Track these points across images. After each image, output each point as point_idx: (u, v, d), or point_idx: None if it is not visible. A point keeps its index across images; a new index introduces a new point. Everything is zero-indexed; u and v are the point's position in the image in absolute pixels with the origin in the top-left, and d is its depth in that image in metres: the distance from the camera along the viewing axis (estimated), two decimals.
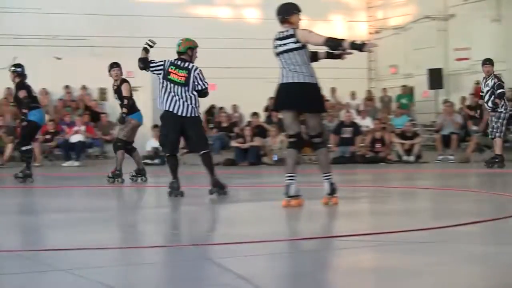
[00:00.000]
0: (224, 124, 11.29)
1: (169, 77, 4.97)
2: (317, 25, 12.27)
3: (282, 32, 4.27)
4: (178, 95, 4.99)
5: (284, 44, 4.24)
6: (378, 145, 10.34)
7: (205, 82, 5.04)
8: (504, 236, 3.32)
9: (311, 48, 4.30)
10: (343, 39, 4.36)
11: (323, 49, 4.43)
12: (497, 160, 8.38)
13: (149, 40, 5.23)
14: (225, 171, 9.67)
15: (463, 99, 12.10)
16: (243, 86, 12.37)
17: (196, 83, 5.00)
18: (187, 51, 5.03)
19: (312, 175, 6.05)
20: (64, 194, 6.84)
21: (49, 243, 3.37)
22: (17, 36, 11.45)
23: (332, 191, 4.40)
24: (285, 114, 4.46)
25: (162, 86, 5.04)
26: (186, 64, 4.98)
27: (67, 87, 11.72)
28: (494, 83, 8.11)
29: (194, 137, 5.18)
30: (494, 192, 5.84)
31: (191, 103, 5.01)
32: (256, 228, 3.84)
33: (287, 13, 4.28)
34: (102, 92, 11.80)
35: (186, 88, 4.98)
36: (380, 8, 15.03)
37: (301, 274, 2.51)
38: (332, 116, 11.53)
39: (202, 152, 5.07)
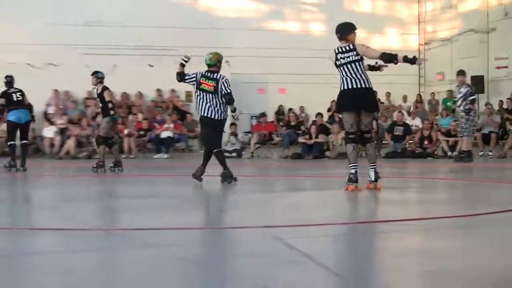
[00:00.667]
0: (293, 123, 13.09)
1: (201, 86, 5.87)
2: (374, 38, 14.60)
3: (343, 47, 5.11)
4: (209, 102, 5.84)
5: (347, 57, 5.05)
6: (426, 142, 11.84)
7: (229, 88, 5.82)
8: None
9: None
10: (396, 54, 5.13)
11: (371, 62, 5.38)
12: (463, 156, 9.77)
13: (184, 57, 6.04)
14: (293, 163, 11.14)
15: (501, 102, 13.71)
16: (309, 90, 14.35)
17: (221, 89, 5.80)
18: (217, 63, 5.96)
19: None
20: (155, 182, 7.60)
21: (140, 223, 3.62)
22: (117, 47, 14.08)
23: (376, 178, 5.17)
24: (347, 115, 5.20)
25: (197, 95, 5.95)
26: (215, 75, 5.86)
27: (158, 90, 13.89)
28: (467, 91, 9.72)
29: (216, 137, 6.06)
30: None
31: (220, 108, 5.87)
32: (319, 213, 4.18)
33: (346, 32, 5.18)
34: (188, 94, 13.82)
35: (216, 95, 5.83)
36: (430, 22, 16.86)
37: (357, 254, 2.77)
38: (386, 116, 13.40)
39: (215, 150, 5.94)
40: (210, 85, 5.86)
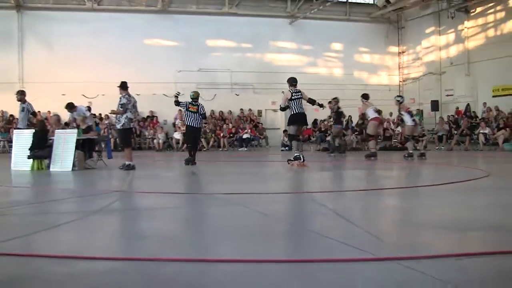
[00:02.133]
0: (323, 129, 22.93)
1: (189, 109, 11.44)
2: (372, 77, 26.11)
3: (296, 90, 10.68)
4: (193, 118, 11.43)
5: (298, 96, 10.61)
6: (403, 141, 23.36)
7: (204, 111, 11.69)
8: None
9: None
10: (314, 100, 10.72)
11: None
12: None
13: (176, 93, 11.84)
14: (323, 154, 17.53)
15: (449, 116, 22.67)
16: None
17: (201, 111, 11.46)
18: (197, 97, 11.77)
19: None
20: (239, 165, 12.99)
21: (233, 190, 6.97)
22: (217, 83, 25.46)
23: (303, 160, 10.67)
24: (295, 126, 10.73)
25: (186, 114, 11.64)
26: (197, 103, 11.48)
27: (241, 109, 24.47)
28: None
29: (198, 137, 12.25)
30: None
31: (199, 121, 11.53)
32: (341, 183, 8.40)
33: (296, 82, 10.87)
34: (259, 111, 25.31)
35: (197, 115, 11.45)
36: (406, 68, 27.45)
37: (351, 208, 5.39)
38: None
39: (197, 146, 12.01)
40: (194, 108, 11.65)
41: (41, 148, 11.76)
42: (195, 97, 12.25)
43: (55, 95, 22.82)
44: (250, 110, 24.66)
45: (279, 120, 24.76)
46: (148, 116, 24.20)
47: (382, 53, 28.36)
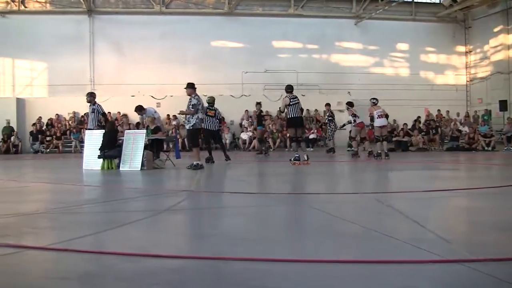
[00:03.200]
0: (389, 129, 26.46)
1: (207, 114, 13.11)
2: (438, 77, 28.10)
3: (293, 96, 12.58)
4: (211, 121, 13.48)
5: (296, 101, 12.49)
6: (471, 141, 23.74)
7: (221, 116, 14.87)
8: None
9: None
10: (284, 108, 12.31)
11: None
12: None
13: (180, 111, 12.57)
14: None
15: None
16: (398, 108, 24.22)
17: (218, 116, 13.81)
18: (213, 102, 13.84)
19: None
20: (305, 164, 12.79)
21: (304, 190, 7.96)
22: (281, 85, 27.78)
23: (308, 159, 12.72)
24: (293, 129, 12.59)
25: (206, 118, 13.02)
26: (214, 107, 13.51)
27: (307, 110, 26.44)
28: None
29: (218, 138, 14.54)
30: None
31: (216, 124, 13.66)
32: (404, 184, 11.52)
33: (292, 89, 12.86)
34: (325, 112, 27.56)
35: (215, 118, 13.59)
36: (473, 67, 28.31)
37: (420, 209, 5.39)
38: (446, 125, 26.52)
39: (216, 144, 15.10)
40: (212, 113, 13.64)
41: (111, 148, 12.70)
42: (211, 102, 14.50)
43: (125, 97, 25.46)
44: (316, 110, 26.49)
45: (345, 120, 26.80)
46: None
47: (448, 53, 29.30)
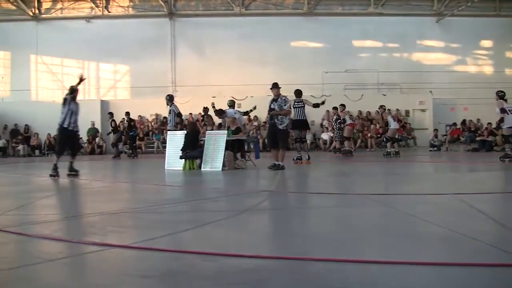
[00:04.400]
0: (472, 129, 26.07)
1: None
2: None
3: (298, 99, 15.13)
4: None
5: (302, 105, 15.06)
6: None
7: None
8: None
9: None
10: (317, 103, 15.60)
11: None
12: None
13: (212, 103, 16.55)
14: (472, 154, 19.92)
15: None
16: (483, 108, 25.71)
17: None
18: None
19: None
20: (386, 165, 15.03)
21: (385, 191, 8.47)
22: (362, 85, 30.16)
23: (309, 158, 14.94)
24: (295, 131, 15.13)
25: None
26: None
27: (388, 110, 29.80)
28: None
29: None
30: None
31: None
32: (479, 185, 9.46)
33: (301, 94, 15.30)
34: (407, 112, 29.29)
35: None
36: None
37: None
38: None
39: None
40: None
41: (193, 149, 13.92)
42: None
43: (206, 98, 28.37)
44: (397, 110, 28.65)
45: (427, 120, 29.15)
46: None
47: None
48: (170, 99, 16.05)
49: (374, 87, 29.56)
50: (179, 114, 15.99)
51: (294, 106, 15.44)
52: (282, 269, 3.69)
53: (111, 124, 23.51)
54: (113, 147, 23.58)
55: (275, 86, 13.31)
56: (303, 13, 30.26)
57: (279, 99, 13.08)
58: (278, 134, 13.25)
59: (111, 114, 23.70)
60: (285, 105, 13.00)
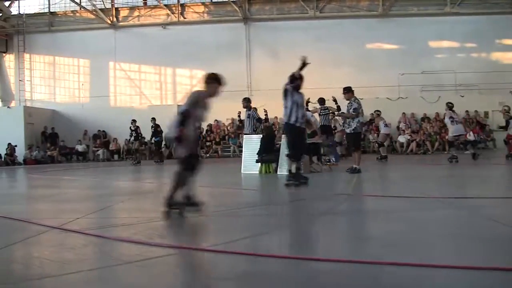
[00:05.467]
0: None
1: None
2: None
3: (324, 108, 18.79)
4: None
5: (326, 112, 18.67)
6: None
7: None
8: None
9: None
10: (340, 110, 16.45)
11: None
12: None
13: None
14: None
15: None
16: None
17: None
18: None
19: None
20: (463, 167, 15.29)
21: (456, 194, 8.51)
22: (439, 86, 32.25)
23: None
24: (327, 136, 17.60)
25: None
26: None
27: (466, 111, 30.07)
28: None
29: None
30: None
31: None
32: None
33: (322, 101, 19.02)
34: (486, 113, 30.96)
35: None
36: None
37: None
38: None
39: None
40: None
41: (269, 153, 14.67)
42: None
43: (281, 102, 31.40)
44: (476, 111, 31.06)
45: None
46: (370, 120, 31.78)
47: None
48: (247, 103, 17.29)
49: (452, 89, 31.57)
50: (259, 120, 16.97)
51: (320, 113, 18.43)
52: (358, 273, 3.95)
53: (133, 129, 26.17)
54: (134, 153, 26.11)
55: (345, 90, 14.52)
56: (378, 15, 32.89)
57: (348, 103, 14.36)
58: (347, 138, 14.94)
59: (153, 119, 26.19)
60: (350, 108, 14.14)
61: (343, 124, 16.94)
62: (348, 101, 14.46)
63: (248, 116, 16.97)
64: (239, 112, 18.90)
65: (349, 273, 3.96)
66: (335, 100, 18.04)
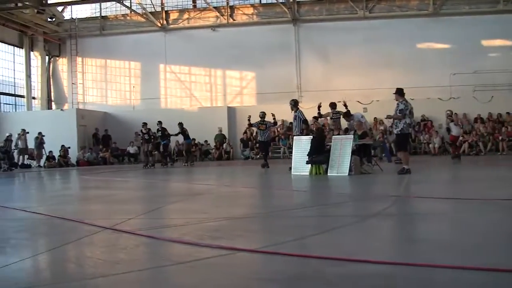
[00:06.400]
0: None
1: (259, 128, 21.00)
2: None
3: (336, 112, 20.12)
4: (263, 134, 20.95)
5: (338, 116, 20.05)
6: None
7: (271, 125, 21.32)
8: None
9: None
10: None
11: None
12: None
13: (248, 116, 22.06)
14: None
15: None
16: None
17: (268, 126, 20.90)
18: (264, 116, 20.88)
19: None
20: None
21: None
22: (492, 86, 31.71)
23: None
24: None
25: (258, 132, 21.80)
26: (265, 122, 20.81)
27: (508, 113, 31.04)
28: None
29: (268, 148, 22.38)
30: None
31: (268, 135, 21.53)
32: None
33: (333, 106, 20.05)
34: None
35: (266, 131, 20.93)
36: None
37: None
38: None
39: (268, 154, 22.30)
40: (263, 127, 20.98)
41: (319, 154, 15.07)
42: (263, 116, 20.60)
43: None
44: None
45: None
46: (422, 120, 32.34)
47: None
48: (294, 104, 18.20)
49: (506, 88, 31.94)
50: (305, 121, 17.66)
51: (332, 117, 19.88)
52: (410, 276, 3.95)
53: (145, 132, 27.05)
54: (148, 156, 26.90)
55: (396, 91, 14.87)
56: (429, 14, 33.44)
57: (396, 105, 14.77)
58: (396, 139, 15.27)
59: (159, 122, 27.27)
60: (397, 110, 14.52)
61: (391, 126, 17.89)
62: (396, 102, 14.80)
63: (295, 118, 17.89)
64: (273, 115, 21.05)
65: (401, 275, 4.03)
66: (345, 105, 19.45)
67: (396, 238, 5.83)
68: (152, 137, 26.69)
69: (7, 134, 29.65)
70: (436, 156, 28.08)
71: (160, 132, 26.85)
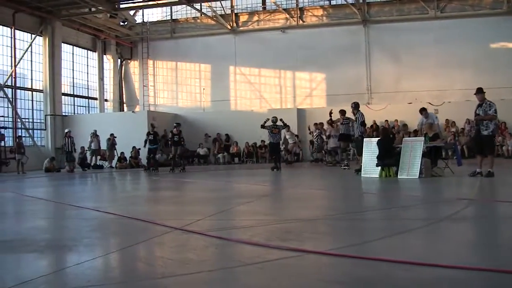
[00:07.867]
0: None
1: (272, 132, 23.31)
2: None
3: (346, 118, 22.37)
4: (275, 137, 23.43)
5: (347, 122, 22.37)
6: None
7: (282, 128, 24.37)
8: None
9: None
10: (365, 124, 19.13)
11: None
12: None
13: (266, 119, 23.65)
14: None
15: None
16: None
17: (281, 128, 23.66)
18: (277, 120, 23.47)
19: None
20: None
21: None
22: None
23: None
24: (343, 143, 23.34)
25: (270, 135, 23.59)
26: (278, 126, 23.41)
27: None
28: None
29: (279, 151, 24.93)
30: None
31: (279, 138, 24.11)
32: None
33: (343, 113, 22.57)
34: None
35: (278, 135, 23.54)
36: None
37: None
38: None
39: (279, 157, 24.94)
40: (276, 131, 23.59)
41: (389, 156, 15.35)
42: (275, 121, 23.22)
43: (402, 104, 33.48)
44: None
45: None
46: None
47: None
48: (355, 107, 18.63)
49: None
50: (362, 123, 18.15)
51: (342, 123, 22.22)
52: (483, 281, 4.00)
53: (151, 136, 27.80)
54: (176, 159, 26.33)
55: (479, 91, 14.52)
56: (503, 13, 34.03)
57: (483, 104, 14.35)
58: (483, 140, 14.44)
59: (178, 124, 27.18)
60: (489, 109, 14.15)
61: (471, 128, 18.82)
62: (481, 102, 14.59)
63: (356, 120, 18.67)
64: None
65: (472, 281, 4.07)
66: (330, 114, 23.52)
67: (469, 242, 5.88)
68: (182, 140, 26.04)
69: (66, 130, 30.89)
70: (509, 159, 28.34)
71: (152, 136, 27.21)
